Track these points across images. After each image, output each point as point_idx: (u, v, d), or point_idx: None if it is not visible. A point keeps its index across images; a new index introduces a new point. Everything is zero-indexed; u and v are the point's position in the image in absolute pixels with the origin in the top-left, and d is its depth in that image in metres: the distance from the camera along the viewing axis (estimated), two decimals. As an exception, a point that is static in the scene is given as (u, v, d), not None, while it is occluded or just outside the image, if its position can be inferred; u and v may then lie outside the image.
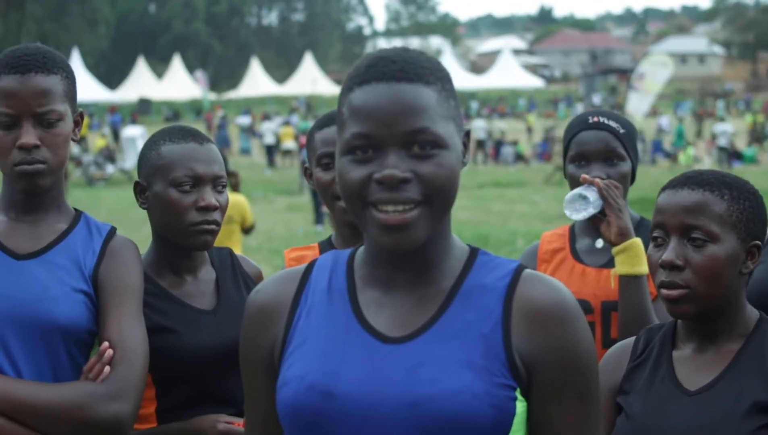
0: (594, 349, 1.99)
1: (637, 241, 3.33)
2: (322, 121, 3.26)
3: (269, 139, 40.36)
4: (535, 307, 1.95)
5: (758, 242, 2.59)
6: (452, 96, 1.98)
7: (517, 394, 1.93)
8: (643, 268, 3.30)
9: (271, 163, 39.51)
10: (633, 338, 2.70)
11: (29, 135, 2.77)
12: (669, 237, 2.56)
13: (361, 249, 2.08)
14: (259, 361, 2.07)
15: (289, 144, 40.50)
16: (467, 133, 2.02)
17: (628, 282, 3.31)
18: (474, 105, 69.47)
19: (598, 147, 3.49)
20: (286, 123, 45.43)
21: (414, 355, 1.92)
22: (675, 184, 2.60)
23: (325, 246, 3.32)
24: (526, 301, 1.96)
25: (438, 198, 1.91)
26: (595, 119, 3.54)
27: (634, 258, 3.31)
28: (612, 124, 3.52)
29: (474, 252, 2.05)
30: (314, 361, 1.96)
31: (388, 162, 1.88)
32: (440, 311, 1.96)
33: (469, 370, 1.89)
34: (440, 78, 1.96)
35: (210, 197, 3.00)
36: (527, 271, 2.00)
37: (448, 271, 2.01)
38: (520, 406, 1.93)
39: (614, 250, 3.34)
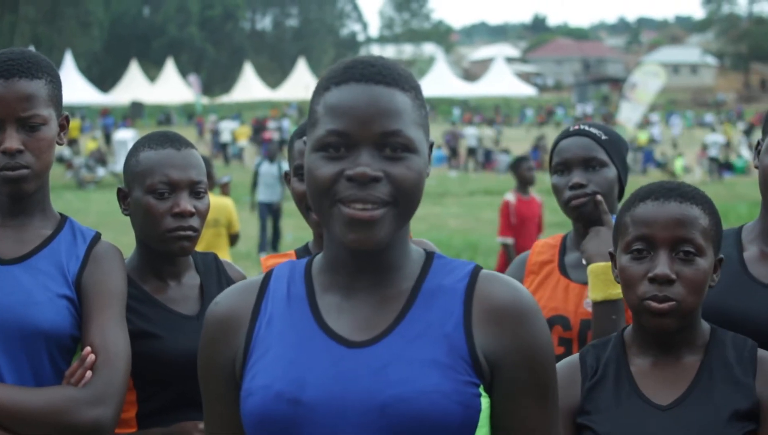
0: (552, 348, 2.04)
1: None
2: (302, 129, 3.24)
3: (225, 137, 41.81)
4: (494, 305, 1.99)
5: (722, 256, 2.63)
6: (423, 106, 2.03)
7: (481, 390, 1.96)
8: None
9: (226, 160, 40.97)
10: (576, 356, 2.66)
11: (12, 139, 2.77)
12: (656, 250, 2.53)
13: (319, 256, 2.11)
14: (219, 372, 2.08)
15: (243, 142, 41.71)
16: (431, 145, 2.06)
17: (604, 307, 3.24)
18: (456, 111, 69.36)
19: (577, 153, 3.43)
20: (242, 122, 48.16)
21: (379, 358, 1.94)
22: (657, 195, 2.56)
23: (302, 253, 3.31)
24: (485, 300, 2.00)
25: (405, 200, 1.95)
26: (577, 127, 3.52)
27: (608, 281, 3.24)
28: (593, 130, 3.47)
29: (430, 255, 2.09)
30: (279, 370, 1.97)
31: (360, 160, 1.92)
32: (402, 313, 1.99)
33: (436, 370, 1.92)
34: (414, 87, 2.01)
35: (185, 203, 3.00)
36: (484, 271, 2.05)
37: (407, 274, 2.04)
38: (484, 401, 1.97)
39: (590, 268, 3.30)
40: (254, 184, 19.10)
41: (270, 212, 18.74)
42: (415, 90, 2.01)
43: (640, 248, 2.55)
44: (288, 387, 1.95)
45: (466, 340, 1.96)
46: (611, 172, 3.45)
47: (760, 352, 2.56)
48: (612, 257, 2.67)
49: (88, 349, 2.72)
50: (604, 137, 3.46)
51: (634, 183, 2.86)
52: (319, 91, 2.01)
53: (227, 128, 43.43)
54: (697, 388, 2.51)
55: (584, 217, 3.42)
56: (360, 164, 1.91)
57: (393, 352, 1.94)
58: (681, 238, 2.51)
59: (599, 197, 3.37)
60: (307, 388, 1.94)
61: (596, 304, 3.23)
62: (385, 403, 1.90)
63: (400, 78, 1.98)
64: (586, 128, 3.49)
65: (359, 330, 1.99)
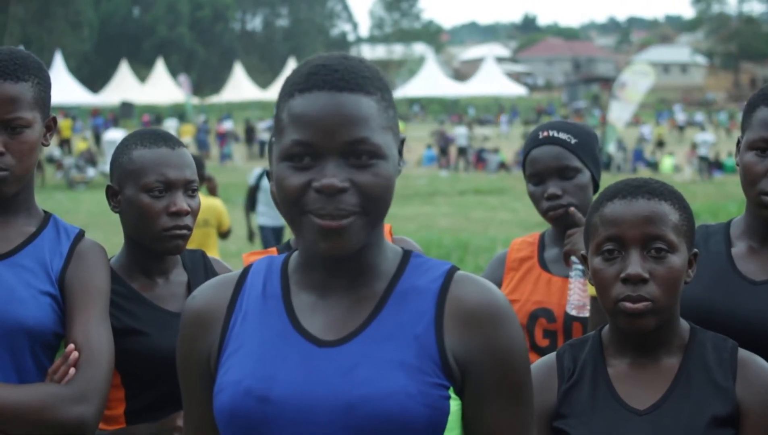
0: (526, 351, 2.03)
1: None
2: None
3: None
4: (467, 307, 1.98)
5: (696, 250, 2.58)
6: (391, 105, 2.01)
7: (451, 392, 1.95)
8: None
9: None
10: (552, 355, 2.61)
11: None
12: (627, 249, 2.48)
13: (295, 254, 2.11)
14: (195, 367, 2.09)
15: (186, 139, 42.88)
16: (402, 141, 2.05)
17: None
18: (471, 111, 69.67)
19: (549, 163, 3.43)
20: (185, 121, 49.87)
21: (349, 358, 1.94)
22: (624, 193, 2.51)
23: (284, 249, 3.32)
24: (458, 302, 1.98)
25: (374, 207, 1.94)
26: (545, 134, 3.49)
27: None
28: (562, 136, 3.46)
29: (407, 254, 2.08)
30: (249, 366, 1.98)
31: (326, 171, 1.91)
32: (374, 314, 1.99)
33: (403, 371, 1.92)
34: (380, 88, 1.99)
35: (181, 202, 3.01)
36: (459, 272, 2.04)
37: (382, 274, 2.04)
38: (455, 404, 1.96)
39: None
40: (251, 203, 13.92)
41: (276, 240, 13.68)
42: (381, 91, 1.99)
43: (611, 248, 2.49)
44: (257, 384, 1.95)
45: (436, 341, 1.96)
46: (585, 176, 3.47)
47: (741, 353, 2.51)
48: (584, 259, 2.62)
49: (71, 346, 2.72)
50: (573, 141, 3.46)
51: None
52: (283, 98, 1.99)
53: (172, 127, 44.91)
54: (675, 392, 2.46)
55: (563, 225, 3.44)
56: (326, 175, 1.90)
57: (362, 353, 1.94)
58: (651, 235, 2.46)
59: (572, 209, 3.37)
60: (276, 386, 1.94)
61: (594, 299, 3.20)
62: (351, 403, 1.90)
63: (364, 81, 1.96)
64: (555, 134, 3.48)
65: (331, 329, 1.99)
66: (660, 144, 47.45)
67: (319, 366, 1.94)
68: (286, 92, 1.97)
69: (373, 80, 1.98)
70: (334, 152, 1.91)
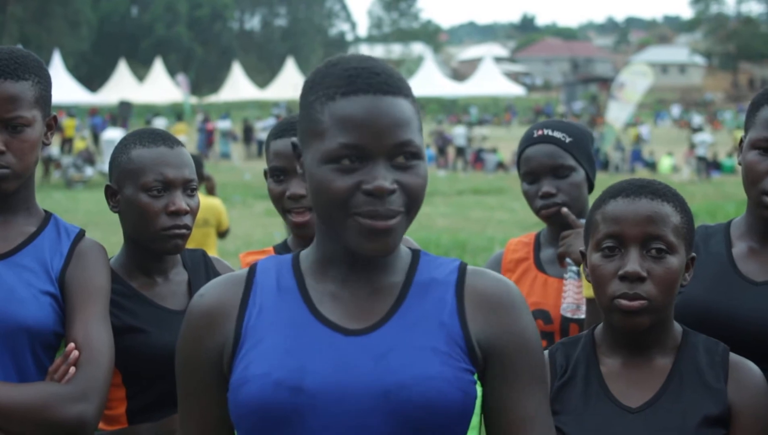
0: (539, 336, 2.10)
1: None
2: (278, 130, 3.26)
3: None
4: (486, 295, 2.05)
5: (694, 254, 2.60)
6: (418, 108, 2.05)
7: (475, 377, 2.01)
8: None
9: None
10: (546, 353, 2.59)
11: None
12: (626, 247, 2.49)
13: (306, 252, 2.13)
14: (204, 364, 2.09)
15: (182, 138, 42.82)
16: None
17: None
18: (474, 110, 69.71)
19: (544, 162, 3.44)
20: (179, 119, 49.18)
21: (379, 345, 1.97)
22: (628, 192, 2.53)
23: (280, 250, 3.33)
24: (475, 291, 2.06)
25: (415, 206, 2.00)
26: (540, 132, 3.50)
27: None
28: (556, 134, 3.47)
29: (416, 253, 2.14)
30: (276, 358, 1.99)
31: (376, 173, 1.94)
32: (398, 303, 2.03)
33: (436, 357, 1.97)
34: (411, 91, 2.05)
35: (180, 201, 3.01)
36: (470, 266, 2.10)
37: (398, 268, 2.09)
38: (479, 389, 2.02)
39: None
40: None
41: None
42: (412, 94, 2.04)
43: (611, 246, 2.51)
44: (288, 375, 1.96)
45: (461, 328, 2.01)
46: (579, 175, 3.48)
47: (732, 356, 2.54)
48: (583, 256, 2.63)
49: (71, 345, 2.72)
50: (568, 140, 3.47)
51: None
52: (320, 99, 2.00)
53: (161, 125, 44.38)
54: (667, 391, 2.48)
55: (557, 224, 3.46)
56: (377, 177, 1.93)
57: (393, 340, 1.98)
58: (651, 235, 2.48)
59: (565, 210, 3.37)
60: (308, 376, 1.96)
61: (590, 301, 3.21)
62: (387, 389, 1.93)
63: (402, 85, 2.02)
64: (550, 133, 3.49)
65: (354, 319, 2.02)
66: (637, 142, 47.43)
67: (349, 354, 1.96)
68: (324, 95, 1.98)
69: (405, 83, 2.04)
70: (382, 154, 1.95)
